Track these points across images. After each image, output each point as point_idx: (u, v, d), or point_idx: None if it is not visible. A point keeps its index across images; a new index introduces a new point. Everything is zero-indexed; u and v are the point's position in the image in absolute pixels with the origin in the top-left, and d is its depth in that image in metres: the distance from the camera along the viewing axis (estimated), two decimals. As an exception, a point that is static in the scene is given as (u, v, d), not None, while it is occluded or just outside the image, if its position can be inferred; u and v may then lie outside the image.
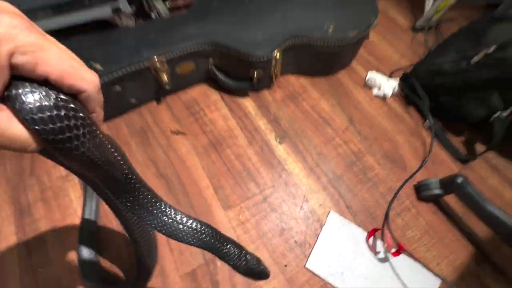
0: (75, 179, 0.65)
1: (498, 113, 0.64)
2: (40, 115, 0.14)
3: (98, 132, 0.17)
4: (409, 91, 0.81)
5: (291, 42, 0.72)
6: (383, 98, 0.83)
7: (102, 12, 0.79)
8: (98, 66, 0.61)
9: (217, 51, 0.70)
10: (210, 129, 0.74)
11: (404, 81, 0.83)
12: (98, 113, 0.19)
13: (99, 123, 0.19)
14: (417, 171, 0.69)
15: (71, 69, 0.15)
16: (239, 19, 0.73)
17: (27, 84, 0.14)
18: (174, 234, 0.26)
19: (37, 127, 0.14)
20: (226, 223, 0.62)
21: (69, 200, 0.62)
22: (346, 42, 0.73)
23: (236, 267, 0.29)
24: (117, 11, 0.81)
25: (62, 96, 0.15)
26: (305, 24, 0.73)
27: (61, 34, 0.82)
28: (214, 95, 0.80)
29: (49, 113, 0.14)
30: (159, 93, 0.76)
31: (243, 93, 0.80)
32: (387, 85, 0.82)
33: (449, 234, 0.64)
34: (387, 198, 0.67)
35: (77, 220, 0.59)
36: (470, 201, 0.58)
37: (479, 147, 0.75)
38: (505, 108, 0.63)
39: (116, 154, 0.21)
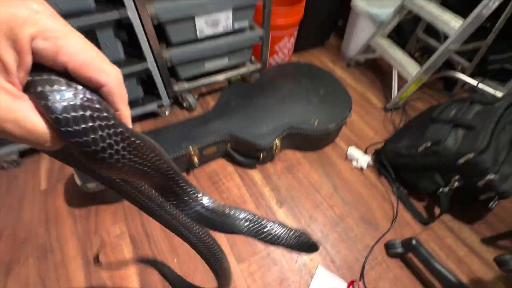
0: (126, 236, 0.87)
1: (441, 189, 0.86)
2: (58, 105, 0.13)
3: (122, 129, 0.16)
4: (379, 165, 1.05)
5: (287, 132, 0.99)
6: (361, 169, 1.07)
7: (151, 107, 1.10)
8: (152, 156, 0.87)
9: (234, 140, 0.97)
10: (226, 195, 0.98)
11: (376, 156, 1.08)
12: (123, 111, 0.17)
13: (125, 121, 0.18)
14: (386, 232, 0.90)
15: (92, 60, 0.14)
16: (250, 116, 1.01)
17: (49, 73, 0.13)
18: (221, 226, 0.26)
19: (53, 115, 0.13)
20: (239, 274, 0.81)
21: (123, 254, 0.84)
22: (327, 132, 1.00)
23: (290, 246, 0.28)
24: (160, 106, 1.12)
25: (80, 87, 0.14)
26: (297, 118, 1.00)
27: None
28: (230, 168, 1.05)
29: (65, 103, 0.13)
30: (189, 168, 1.01)
31: (252, 166, 1.05)
32: (363, 160, 1.06)
33: (413, 285, 0.81)
34: (363, 254, 0.86)
35: (128, 270, 0.80)
36: (423, 260, 0.77)
37: (437, 211, 0.96)
38: (446, 185, 0.85)
39: (152, 154, 0.19)
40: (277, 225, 0.28)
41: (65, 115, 0.13)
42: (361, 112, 1.29)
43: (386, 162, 1.02)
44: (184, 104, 1.21)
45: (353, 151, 1.09)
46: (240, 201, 0.96)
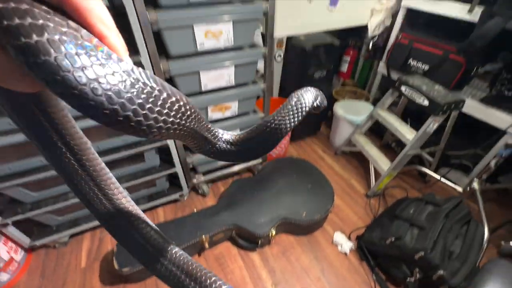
0: (147, 315, 1.05)
1: (408, 279, 1.03)
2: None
3: (106, 57, 0.12)
4: (360, 251, 1.23)
5: (280, 222, 1.23)
6: (345, 254, 1.25)
7: (174, 196, 1.39)
8: (173, 243, 1.11)
9: (237, 228, 1.21)
10: (230, 277, 1.17)
11: (358, 242, 1.27)
12: (108, 37, 0.13)
13: (118, 53, 0.13)
14: (366, 317, 1.04)
15: None
16: (251, 207, 1.27)
17: None
18: (259, 149, 0.25)
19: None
20: None
21: (142, 331, 1.01)
22: (314, 222, 1.23)
23: (311, 107, 0.26)
24: (181, 195, 1.41)
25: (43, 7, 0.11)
26: (288, 210, 1.25)
27: (148, 212, 1.39)
28: (234, 251, 1.26)
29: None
30: (200, 251, 1.24)
31: (252, 249, 1.26)
32: (346, 245, 1.26)
33: None
34: None
35: None
36: None
37: (412, 298, 1.10)
38: (411, 276, 1.03)
39: (193, 115, 0.17)
40: (290, 104, 0.25)
41: (114, 107, 0.11)
42: (346, 198, 1.53)
43: (365, 249, 1.21)
44: (200, 191, 1.50)
45: (338, 237, 1.29)
46: (242, 282, 1.15)
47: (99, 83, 0.11)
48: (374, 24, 1.71)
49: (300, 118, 0.25)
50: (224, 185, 1.59)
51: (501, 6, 1.06)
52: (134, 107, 0.13)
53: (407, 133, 1.35)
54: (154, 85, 0.14)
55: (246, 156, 0.26)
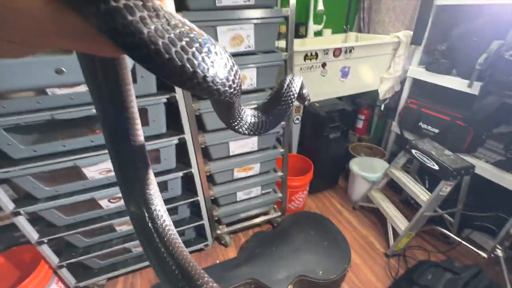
0: None
1: None
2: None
3: (161, 11, 0.12)
4: (379, 316, 1.22)
5: (297, 280, 1.28)
6: (364, 318, 1.24)
7: (199, 246, 1.51)
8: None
9: (255, 283, 1.28)
10: (248, 334, 1.20)
11: (376, 306, 1.26)
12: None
13: (160, 9, 0.13)
14: None
15: None
16: (269, 262, 1.35)
17: None
18: (275, 122, 0.30)
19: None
20: None
21: None
22: (330, 281, 1.26)
23: (301, 96, 0.33)
24: (206, 245, 1.54)
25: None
26: (305, 267, 1.31)
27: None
28: (252, 306, 1.31)
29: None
30: (221, 303, 1.30)
31: (270, 306, 1.30)
32: (365, 309, 1.25)
33: None
34: None
35: None
36: None
37: None
38: None
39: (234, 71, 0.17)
40: (288, 80, 0.30)
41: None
42: (365, 256, 1.54)
43: (384, 315, 1.19)
44: (222, 242, 1.61)
45: (356, 299, 1.29)
46: None
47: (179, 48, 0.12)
48: (384, 90, 1.90)
49: (296, 91, 0.30)
50: (245, 236, 1.69)
51: (494, 86, 1.19)
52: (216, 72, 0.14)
53: (421, 194, 1.41)
54: (232, 61, 0.17)
55: (271, 125, 0.30)
